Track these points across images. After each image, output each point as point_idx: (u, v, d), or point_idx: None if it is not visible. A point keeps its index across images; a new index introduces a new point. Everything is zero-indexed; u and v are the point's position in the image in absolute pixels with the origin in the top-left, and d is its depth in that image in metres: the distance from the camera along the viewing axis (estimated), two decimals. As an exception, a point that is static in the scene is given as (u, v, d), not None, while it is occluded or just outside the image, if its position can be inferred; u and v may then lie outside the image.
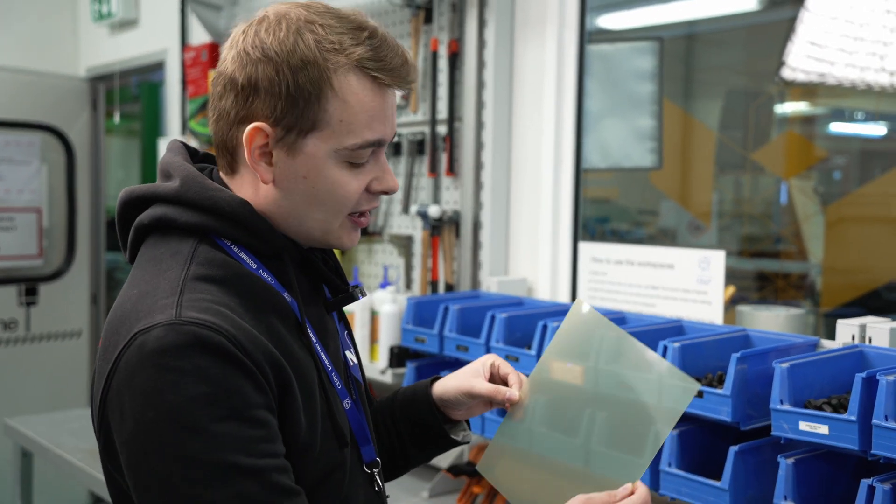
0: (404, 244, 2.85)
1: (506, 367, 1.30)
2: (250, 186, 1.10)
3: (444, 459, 2.46)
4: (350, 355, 1.24)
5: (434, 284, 2.70)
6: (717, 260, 2.11)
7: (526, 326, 2.12)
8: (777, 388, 1.53)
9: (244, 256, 1.09)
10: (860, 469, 1.64)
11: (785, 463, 1.53)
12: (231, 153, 1.10)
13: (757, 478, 1.64)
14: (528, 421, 1.29)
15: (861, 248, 3.56)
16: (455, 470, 2.31)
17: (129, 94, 5.01)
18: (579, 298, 1.36)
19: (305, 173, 1.07)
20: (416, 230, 2.80)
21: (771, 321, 2.12)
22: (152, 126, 4.95)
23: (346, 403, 1.15)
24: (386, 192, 1.14)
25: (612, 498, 1.15)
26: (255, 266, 1.09)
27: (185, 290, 1.01)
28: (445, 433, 1.33)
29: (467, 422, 1.39)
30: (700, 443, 1.75)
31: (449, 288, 2.67)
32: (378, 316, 2.64)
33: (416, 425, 1.33)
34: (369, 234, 2.96)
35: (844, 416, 1.44)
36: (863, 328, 1.68)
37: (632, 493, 1.15)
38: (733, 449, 1.61)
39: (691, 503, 1.66)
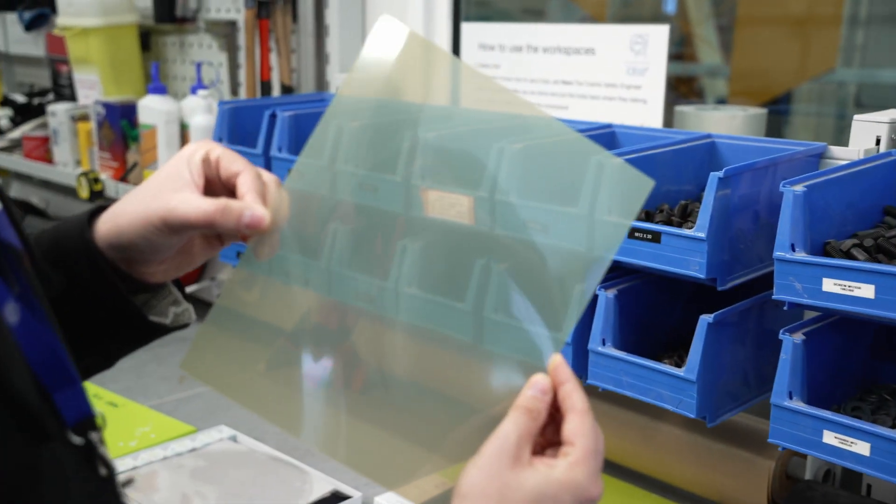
0: (226, 33, 2.09)
1: (231, 160, 0.68)
2: None
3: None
4: None
5: (266, 86, 1.97)
6: (657, 39, 1.48)
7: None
8: (787, 226, 0.94)
9: None
10: (879, 342, 1.11)
11: (791, 341, 0.97)
12: None
13: (733, 360, 1.09)
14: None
15: (763, 51, 3.11)
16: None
17: None
18: (386, 16, 0.71)
19: None
20: (241, 14, 2.03)
21: (724, 125, 1.53)
22: None
23: (11, 313, 0.50)
24: None
25: (535, 416, 0.61)
26: None
27: None
28: (134, 311, 0.69)
29: (181, 287, 0.75)
30: (646, 310, 1.18)
31: (287, 91, 1.95)
32: (189, 131, 1.92)
33: (71, 303, 0.66)
34: (179, 22, 2.17)
35: (906, 269, 0.86)
36: (894, 127, 1.10)
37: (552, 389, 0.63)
38: (705, 319, 1.04)
39: (634, 397, 1.10)
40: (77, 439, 0.53)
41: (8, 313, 0.48)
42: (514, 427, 0.59)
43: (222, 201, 0.64)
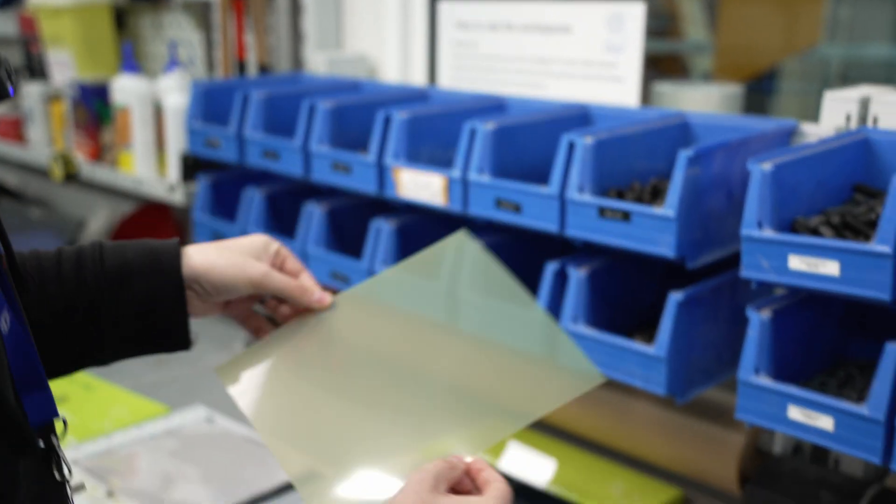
0: (201, 12, 2.07)
1: (296, 263, 0.90)
2: None
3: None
4: None
5: (242, 66, 1.96)
6: (633, 17, 1.47)
7: (362, 120, 1.45)
8: (755, 203, 0.95)
9: None
10: (850, 317, 1.12)
11: (758, 318, 0.98)
12: None
13: (705, 338, 1.10)
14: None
15: (748, 26, 3.09)
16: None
17: None
18: (464, 231, 0.96)
19: None
20: (216, -8, 2.01)
21: (701, 103, 1.53)
22: None
23: (4, 322, 0.52)
24: None
25: (452, 467, 0.74)
26: None
27: None
28: (185, 334, 0.85)
29: None
30: (619, 289, 1.18)
31: (264, 69, 1.94)
32: (163, 111, 1.90)
33: (138, 313, 0.80)
34: (153, 1, 2.15)
35: (871, 245, 0.87)
36: (864, 104, 1.10)
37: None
38: (675, 297, 1.04)
39: (605, 374, 1.11)
40: (39, 442, 0.53)
41: (2, 322, 0.49)
42: (432, 466, 0.68)
43: (304, 284, 0.87)
